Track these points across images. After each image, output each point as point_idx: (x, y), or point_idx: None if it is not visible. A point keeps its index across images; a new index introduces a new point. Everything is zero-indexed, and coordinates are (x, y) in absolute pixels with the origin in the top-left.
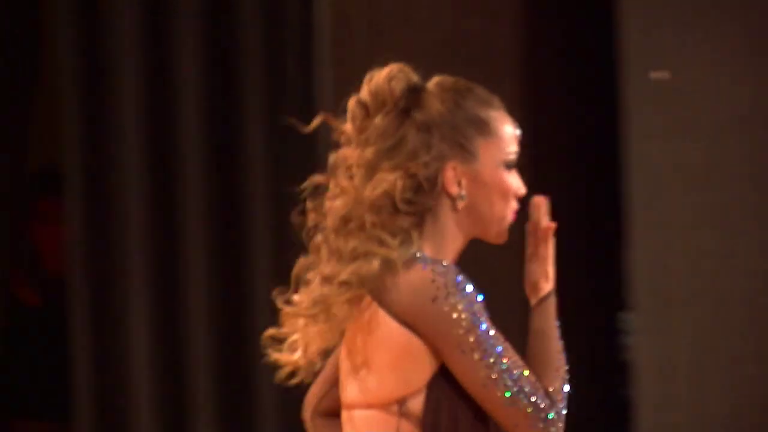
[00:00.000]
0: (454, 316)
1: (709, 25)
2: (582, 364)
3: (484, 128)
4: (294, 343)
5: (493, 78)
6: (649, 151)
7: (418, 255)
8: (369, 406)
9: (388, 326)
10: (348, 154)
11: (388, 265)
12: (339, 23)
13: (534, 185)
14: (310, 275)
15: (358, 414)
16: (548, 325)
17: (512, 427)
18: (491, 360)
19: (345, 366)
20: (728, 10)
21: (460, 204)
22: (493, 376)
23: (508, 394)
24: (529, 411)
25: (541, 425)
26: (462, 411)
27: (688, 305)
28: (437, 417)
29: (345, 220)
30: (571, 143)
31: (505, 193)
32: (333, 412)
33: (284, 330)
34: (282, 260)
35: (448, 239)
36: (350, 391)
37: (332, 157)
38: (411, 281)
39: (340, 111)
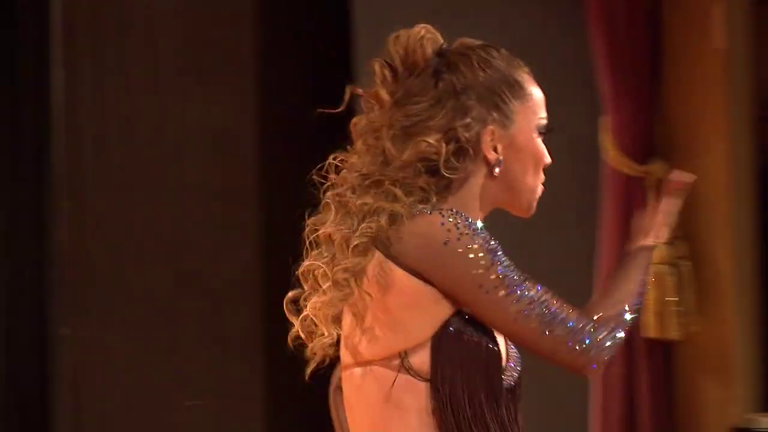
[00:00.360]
0: (471, 256)
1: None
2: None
3: (519, 90)
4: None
5: (233, 82)
6: None
7: (423, 209)
8: (369, 362)
9: (396, 277)
10: (376, 118)
11: (394, 219)
12: (72, 26)
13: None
14: (320, 233)
15: (357, 371)
16: (631, 265)
17: (551, 354)
18: (518, 293)
19: (348, 326)
20: (459, 13)
21: (497, 170)
22: (523, 309)
23: (540, 324)
24: (565, 335)
25: (578, 347)
26: (469, 366)
27: None
28: (444, 372)
29: (364, 177)
30: (297, 146)
31: (538, 160)
32: None
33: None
34: None
35: (473, 207)
36: (351, 350)
37: (359, 121)
38: (419, 228)
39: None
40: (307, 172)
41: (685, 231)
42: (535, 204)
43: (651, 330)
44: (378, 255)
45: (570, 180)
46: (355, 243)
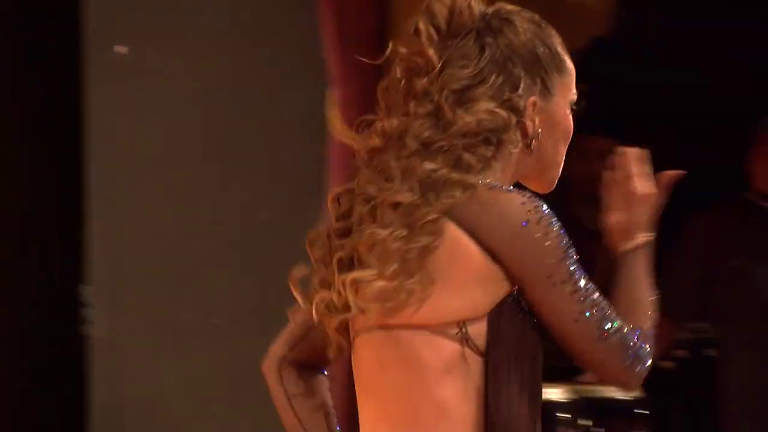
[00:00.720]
0: (547, 243)
1: (169, 2)
2: (41, 336)
3: (560, 63)
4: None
5: None
6: (110, 125)
7: (496, 184)
8: (419, 326)
9: (467, 250)
10: (424, 80)
11: (466, 189)
12: None
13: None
14: (383, 200)
15: (407, 334)
16: (639, 272)
17: (600, 362)
18: (583, 293)
19: (392, 283)
20: None
21: (534, 143)
22: (586, 311)
23: (599, 329)
24: (619, 346)
25: (628, 362)
26: (521, 350)
27: (143, 281)
28: (499, 351)
29: (426, 143)
30: (33, 118)
31: (568, 136)
32: (303, 363)
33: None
34: None
35: (508, 178)
36: (389, 311)
37: (393, 83)
38: (498, 204)
39: None
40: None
41: None
42: (556, 180)
43: None
44: (451, 225)
45: (298, 153)
46: (432, 217)
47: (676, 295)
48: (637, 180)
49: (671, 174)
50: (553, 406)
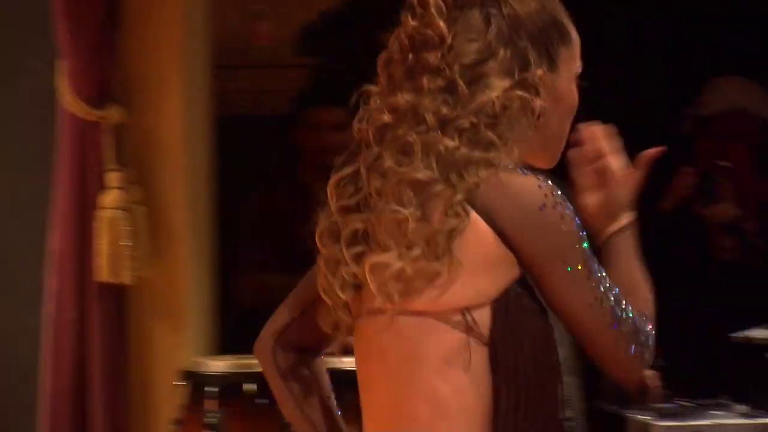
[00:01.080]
0: (564, 227)
1: None
2: None
3: (565, 35)
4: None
5: None
6: None
7: (511, 165)
8: (421, 312)
9: (479, 232)
10: (433, 55)
11: (491, 170)
12: None
13: None
14: (406, 177)
15: (411, 321)
16: (630, 254)
17: (606, 350)
18: (597, 277)
19: (414, 266)
20: None
21: (541, 114)
22: (600, 296)
23: (612, 316)
24: (630, 335)
25: (637, 352)
26: (528, 333)
27: None
28: (506, 341)
29: (444, 120)
30: None
31: (573, 110)
32: (297, 344)
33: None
34: None
35: (518, 155)
36: (392, 294)
37: (393, 56)
38: (514, 187)
39: None
40: None
41: (140, 175)
42: (559, 155)
43: (104, 274)
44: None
45: (28, 124)
46: (459, 198)
47: None
48: (610, 157)
49: (650, 152)
50: None
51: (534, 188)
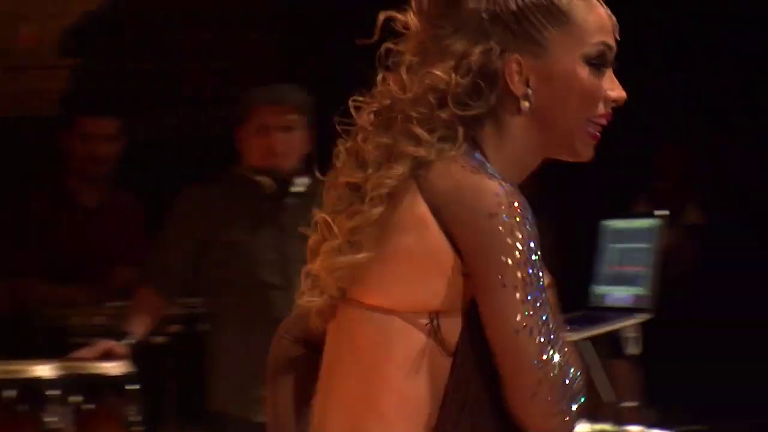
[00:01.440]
0: (509, 241)
1: None
2: None
3: (558, 16)
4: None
5: None
6: None
7: (479, 157)
8: (389, 311)
9: (428, 227)
10: (401, 46)
11: (420, 164)
12: None
13: None
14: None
15: (377, 317)
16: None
17: (525, 395)
18: (534, 307)
19: (344, 258)
20: None
21: (525, 105)
22: (531, 326)
23: (540, 353)
24: (556, 387)
25: (562, 405)
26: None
27: None
28: (467, 351)
29: (377, 115)
30: None
31: (586, 94)
32: (301, 339)
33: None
34: None
35: (517, 151)
36: (361, 289)
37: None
38: (469, 187)
39: None
40: None
41: None
42: (587, 146)
43: None
44: (418, 197)
45: None
46: (372, 196)
47: (165, 269)
48: None
49: None
50: (41, 383)
51: (490, 194)
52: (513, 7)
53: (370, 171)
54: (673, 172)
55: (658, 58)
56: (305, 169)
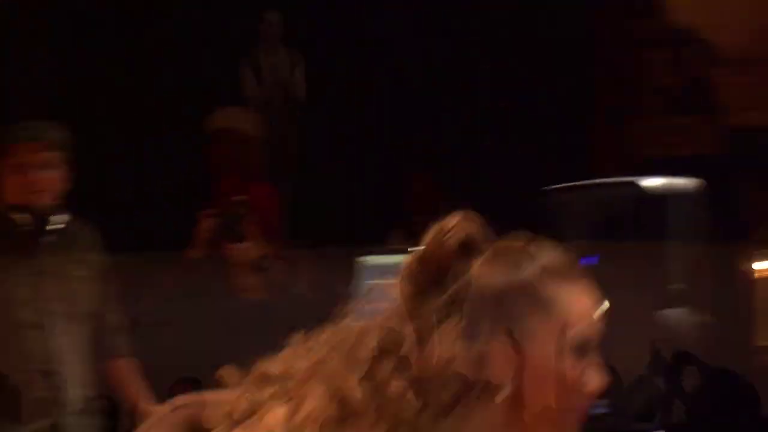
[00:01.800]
0: None
1: None
2: None
3: (542, 305)
4: None
5: None
6: None
7: None
8: None
9: None
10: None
11: None
12: None
13: None
14: None
15: None
16: None
17: None
18: None
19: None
20: None
21: (500, 396)
22: None
23: None
24: None
25: None
26: None
27: None
28: None
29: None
30: None
31: (566, 385)
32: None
33: None
34: None
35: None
36: None
37: None
38: None
39: None
40: None
41: None
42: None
43: None
44: None
45: None
46: None
47: None
48: None
49: None
50: None
51: None
52: (499, 292)
53: None
54: (424, 202)
55: None
56: (63, 207)
